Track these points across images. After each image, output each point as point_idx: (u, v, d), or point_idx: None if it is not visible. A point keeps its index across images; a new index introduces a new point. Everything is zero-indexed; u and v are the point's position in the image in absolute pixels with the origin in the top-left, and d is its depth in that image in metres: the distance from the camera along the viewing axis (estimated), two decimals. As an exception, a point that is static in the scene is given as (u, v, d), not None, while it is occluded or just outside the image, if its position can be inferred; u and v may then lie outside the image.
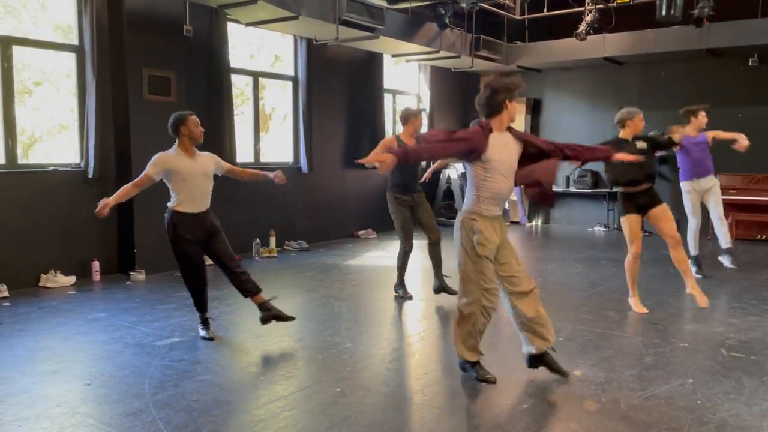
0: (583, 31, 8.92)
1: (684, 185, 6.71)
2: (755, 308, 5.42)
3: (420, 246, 6.35)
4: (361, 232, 9.88)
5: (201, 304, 4.63)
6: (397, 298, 5.84)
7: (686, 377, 3.74)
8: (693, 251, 6.75)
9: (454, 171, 11.35)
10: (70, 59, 6.50)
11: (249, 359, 4.13)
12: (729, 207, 9.56)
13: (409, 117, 5.66)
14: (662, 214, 5.27)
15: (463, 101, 12.30)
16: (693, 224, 6.78)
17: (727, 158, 9.94)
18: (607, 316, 5.23)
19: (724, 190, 9.68)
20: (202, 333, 4.56)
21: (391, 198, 5.70)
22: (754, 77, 9.77)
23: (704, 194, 6.68)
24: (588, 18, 8.92)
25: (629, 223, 5.30)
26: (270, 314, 4.54)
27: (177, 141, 4.46)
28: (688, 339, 4.52)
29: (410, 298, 5.81)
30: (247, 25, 7.67)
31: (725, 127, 9.94)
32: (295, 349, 4.37)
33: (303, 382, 3.69)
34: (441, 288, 5.77)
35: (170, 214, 4.42)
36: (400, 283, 5.88)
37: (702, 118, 6.63)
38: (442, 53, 9.49)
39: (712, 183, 6.67)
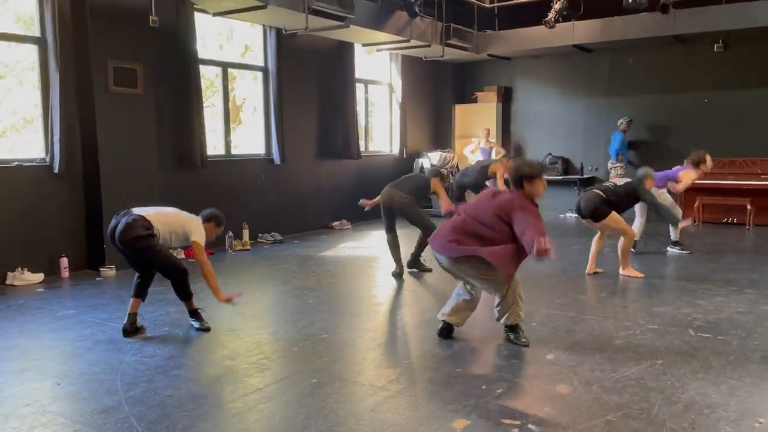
0: (552, 19, 8.98)
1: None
2: (721, 289, 5.54)
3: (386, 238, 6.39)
4: (335, 223, 9.85)
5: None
6: (420, 272, 6.48)
7: (656, 358, 3.82)
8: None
9: (427, 161, 11.37)
10: (32, 51, 6.34)
11: (223, 353, 4.10)
12: (696, 191, 9.77)
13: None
14: None
15: (435, 90, 12.32)
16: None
17: (693, 143, 10.16)
18: (579, 300, 5.30)
19: (692, 174, 9.89)
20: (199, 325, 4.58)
21: (414, 202, 6.33)
22: (719, 63, 9.95)
23: None
24: (557, 5, 8.98)
25: (619, 217, 6.10)
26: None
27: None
28: (657, 321, 4.61)
29: (430, 270, 6.45)
30: (215, 15, 7.55)
31: (691, 113, 10.21)
32: (269, 341, 4.35)
33: (278, 374, 3.68)
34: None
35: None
36: (416, 262, 6.54)
37: (709, 163, 7.38)
38: (413, 42, 9.46)
39: None
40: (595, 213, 5.99)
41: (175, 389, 3.44)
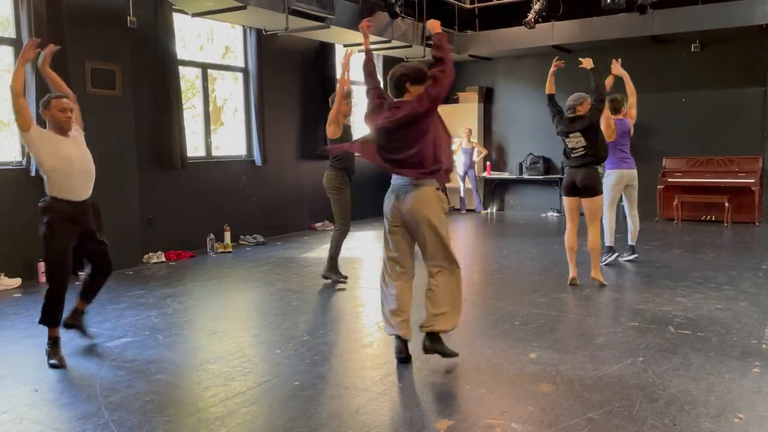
0: (532, 20, 9.04)
1: (613, 174, 6.47)
2: (701, 286, 5.61)
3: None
4: (318, 225, 9.82)
5: (57, 313, 4.04)
6: (334, 283, 5.90)
7: (636, 356, 3.85)
8: (608, 242, 6.57)
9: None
10: (7, 53, 6.24)
11: (204, 356, 4.06)
12: (675, 189, 9.90)
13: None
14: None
15: (417, 91, 12.32)
16: (609, 217, 6.50)
17: (672, 142, 10.30)
18: (561, 299, 5.33)
19: (671, 173, 10.03)
20: (52, 361, 3.90)
21: (338, 177, 5.73)
22: (695, 62, 10.08)
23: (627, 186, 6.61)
24: (536, 6, 9.04)
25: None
26: (75, 323, 4.35)
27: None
28: (638, 318, 4.65)
29: (346, 279, 5.94)
30: (194, 15, 7.49)
31: (669, 112, 10.30)
32: (252, 344, 4.32)
33: (260, 377, 3.65)
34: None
35: (46, 202, 4.00)
36: (333, 268, 5.90)
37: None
38: (394, 42, 9.46)
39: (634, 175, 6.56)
40: (595, 185, 5.56)
41: (155, 394, 3.40)
